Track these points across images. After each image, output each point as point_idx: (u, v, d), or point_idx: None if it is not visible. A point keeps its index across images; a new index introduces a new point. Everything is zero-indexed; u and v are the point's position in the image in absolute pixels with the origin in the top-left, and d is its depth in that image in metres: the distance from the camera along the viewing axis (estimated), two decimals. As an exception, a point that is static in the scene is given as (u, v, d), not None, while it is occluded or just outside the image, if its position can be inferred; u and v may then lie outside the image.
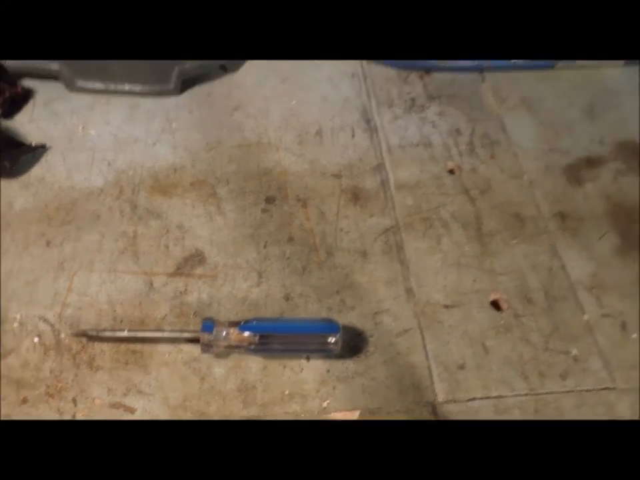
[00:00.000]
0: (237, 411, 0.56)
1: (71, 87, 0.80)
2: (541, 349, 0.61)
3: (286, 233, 0.69)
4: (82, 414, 0.55)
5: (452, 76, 0.86)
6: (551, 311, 0.64)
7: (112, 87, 0.80)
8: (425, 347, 0.61)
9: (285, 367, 0.59)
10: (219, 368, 0.59)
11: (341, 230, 0.69)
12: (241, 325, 0.57)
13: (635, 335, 0.62)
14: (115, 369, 0.58)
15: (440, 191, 0.73)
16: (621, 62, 0.88)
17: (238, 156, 0.75)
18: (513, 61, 0.86)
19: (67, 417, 0.55)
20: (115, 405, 0.56)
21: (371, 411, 0.57)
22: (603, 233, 0.70)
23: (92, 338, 0.59)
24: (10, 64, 0.78)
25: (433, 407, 0.57)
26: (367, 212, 0.71)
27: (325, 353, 0.59)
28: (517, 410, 0.57)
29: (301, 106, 0.81)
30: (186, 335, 0.59)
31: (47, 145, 0.74)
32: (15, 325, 0.60)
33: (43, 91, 0.79)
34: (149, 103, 0.79)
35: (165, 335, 0.59)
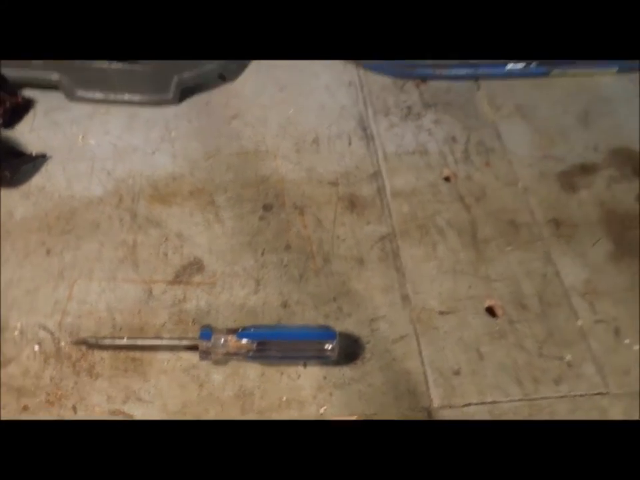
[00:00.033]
0: (235, 417, 0.57)
1: (71, 96, 0.80)
2: (535, 354, 0.62)
3: (283, 240, 0.69)
4: (82, 421, 0.56)
5: (448, 84, 0.87)
6: (545, 317, 0.64)
7: (111, 96, 0.81)
8: (420, 353, 0.62)
9: (282, 373, 0.60)
10: (217, 375, 0.59)
11: (338, 237, 0.70)
12: (238, 333, 0.58)
13: (628, 341, 0.63)
14: (114, 376, 0.58)
15: (436, 198, 0.74)
16: (615, 69, 0.89)
17: (236, 164, 0.76)
18: (507, 68, 0.87)
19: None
20: (114, 412, 0.57)
21: (367, 416, 0.58)
22: (597, 239, 0.71)
23: (92, 346, 0.59)
24: (10, 74, 0.79)
25: (429, 412, 0.58)
26: (363, 219, 0.72)
27: (322, 359, 0.59)
28: (512, 415, 0.58)
29: (298, 114, 0.82)
30: (184, 342, 0.60)
31: (47, 155, 0.75)
32: (16, 333, 0.60)
33: (43, 100, 0.80)
34: (148, 112, 0.80)
35: (164, 342, 0.60)
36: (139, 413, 0.57)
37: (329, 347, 0.58)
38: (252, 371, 0.60)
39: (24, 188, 0.72)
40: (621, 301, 0.66)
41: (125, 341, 0.59)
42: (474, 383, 0.60)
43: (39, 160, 0.74)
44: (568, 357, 0.62)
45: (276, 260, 0.68)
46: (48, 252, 0.66)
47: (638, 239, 0.70)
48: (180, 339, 0.61)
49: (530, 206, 0.74)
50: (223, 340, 0.58)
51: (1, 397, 0.56)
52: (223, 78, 0.85)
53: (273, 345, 0.59)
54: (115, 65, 0.79)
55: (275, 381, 0.59)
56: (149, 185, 0.73)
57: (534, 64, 0.88)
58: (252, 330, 0.59)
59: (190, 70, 0.82)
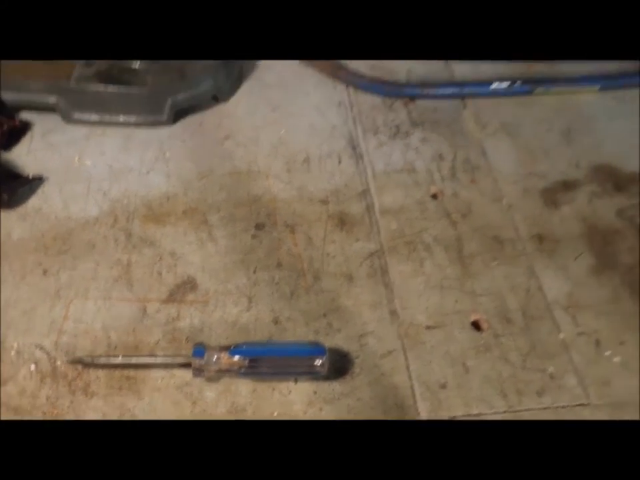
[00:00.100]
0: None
1: (68, 118, 0.83)
2: (519, 367, 0.63)
3: (275, 258, 0.71)
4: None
5: (435, 103, 0.89)
6: (528, 330, 0.66)
7: (107, 118, 0.83)
8: (408, 367, 0.64)
9: (273, 389, 0.61)
10: (210, 392, 0.61)
11: (328, 255, 0.72)
12: (231, 350, 0.60)
13: (608, 353, 0.65)
14: (109, 394, 0.60)
15: (423, 215, 0.76)
16: (596, 87, 0.92)
17: (229, 184, 0.78)
18: (492, 87, 0.90)
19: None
20: (110, 429, 0.58)
21: (357, 430, 0.59)
22: (579, 253, 0.73)
23: (87, 365, 0.61)
24: (8, 97, 0.81)
25: (416, 425, 0.60)
26: (352, 237, 0.74)
27: (312, 375, 0.61)
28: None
29: (289, 134, 0.84)
30: (178, 360, 0.62)
31: (44, 176, 0.77)
32: (13, 353, 0.62)
33: (40, 123, 0.82)
34: (143, 134, 0.83)
35: (158, 360, 0.62)
36: (134, 429, 0.58)
37: (318, 362, 0.59)
38: (244, 387, 0.61)
39: (21, 209, 0.73)
40: (602, 313, 0.68)
41: (119, 360, 0.61)
42: (460, 396, 0.62)
43: (35, 182, 0.76)
44: (550, 369, 0.63)
45: (268, 277, 0.69)
46: (45, 272, 0.68)
47: (618, 253, 0.73)
48: (174, 356, 0.62)
49: (514, 222, 0.76)
50: (215, 357, 0.59)
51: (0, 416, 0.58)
52: (216, 99, 0.88)
53: (264, 361, 0.60)
54: (111, 88, 0.81)
55: (266, 397, 0.61)
56: (144, 205, 0.75)
57: (518, 83, 0.90)
58: (244, 347, 0.61)
59: (184, 91, 0.84)
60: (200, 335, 0.65)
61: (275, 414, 0.60)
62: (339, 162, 0.81)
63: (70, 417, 0.59)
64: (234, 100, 0.88)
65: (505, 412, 0.60)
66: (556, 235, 0.74)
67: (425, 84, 0.91)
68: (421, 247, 0.73)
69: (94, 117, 0.83)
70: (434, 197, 0.78)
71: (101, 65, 0.83)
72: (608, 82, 0.92)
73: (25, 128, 0.81)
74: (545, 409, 0.61)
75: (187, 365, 0.60)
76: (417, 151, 0.83)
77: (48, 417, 0.58)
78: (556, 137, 0.85)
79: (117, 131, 0.82)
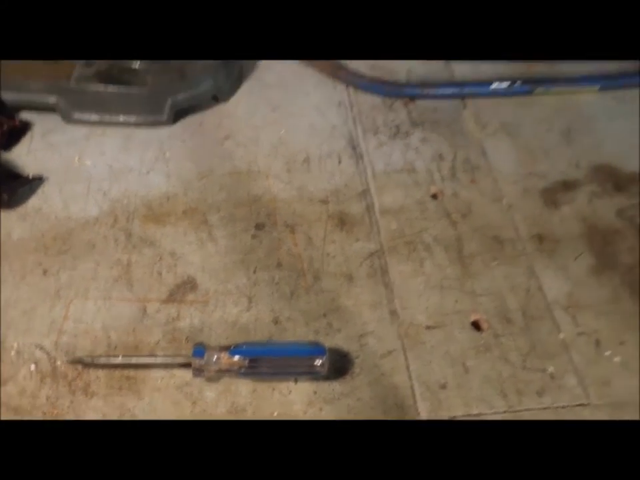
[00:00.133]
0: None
1: (68, 118, 0.83)
2: (519, 367, 0.64)
3: (275, 258, 0.71)
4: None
5: (435, 103, 0.89)
6: (528, 330, 0.66)
7: (107, 118, 0.83)
8: (408, 367, 0.64)
9: (274, 389, 0.61)
10: (210, 392, 0.61)
11: (328, 255, 0.72)
12: (231, 350, 0.60)
13: (608, 352, 0.65)
14: (109, 394, 0.60)
15: (423, 215, 0.76)
16: (596, 87, 0.91)
17: (229, 184, 0.78)
18: (492, 87, 0.90)
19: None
20: (110, 429, 0.58)
21: (357, 430, 0.59)
22: (579, 253, 0.73)
23: (87, 365, 0.61)
24: (8, 97, 0.81)
25: (416, 425, 0.60)
26: (352, 237, 0.74)
27: (312, 375, 0.61)
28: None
29: (289, 134, 0.84)
30: (178, 360, 0.62)
31: (44, 176, 0.77)
32: (13, 353, 0.62)
33: (40, 123, 0.82)
34: (143, 134, 0.83)
35: (158, 360, 0.62)
36: (134, 429, 0.58)
37: (318, 362, 0.59)
38: (244, 387, 0.61)
39: (21, 209, 0.73)
40: (602, 313, 0.68)
41: (119, 360, 0.61)
42: (460, 396, 0.62)
43: (35, 182, 0.76)
44: (550, 369, 0.63)
45: (268, 278, 0.69)
46: (45, 272, 0.68)
47: (618, 253, 0.73)
48: (174, 356, 0.62)
49: (514, 222, 0.76)
50: (215, 357, 0.59)
51: (0, 416, 0.58)
52: (216, 99, 0.88)
53: (264, 361, 0.60)
54: (111, 88, 0.81)
55: (266, 397, 0.61)
56: (144, 205, 0.75)
57: (518, 83, 0.90)
58: (244, 347, 0.61)
59: (184, 92, 0.84)
60: (200, 334, 0.65)
61: (275, 414, 0.60)
62: (339, 162, 0.81)
63: (70, 417, 0.59)
64: (234, 100, 0.88)
65: (505, 412, 0.60)
66: (556, 234, 0.74)
67: (425, 84, 0.91)
68: (421, 246, 0.73)
69: (94, 116, 0.83)
70: (434, 196, 0.78)
71: (100, 65, 0.83)
72: (608, 82, 0.92)
73: (25, 128, 0.81)
74: (545, 408, 0.61)
75: (187, 365, 0.60)
76: (416, 151, 0.83)
77: (48, 417, 0.58)
78: (556, 136, 0.85)
79: (116, 131, 0.82)
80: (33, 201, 0.74)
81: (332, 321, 0.66)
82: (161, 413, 0.59)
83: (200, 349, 0.60)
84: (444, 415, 0.60)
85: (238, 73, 0.91)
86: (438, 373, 0.63)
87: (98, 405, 0.59)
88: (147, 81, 0.82)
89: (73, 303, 0.66)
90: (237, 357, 0.59)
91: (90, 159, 0.79)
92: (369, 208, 0.76)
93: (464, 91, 0.90)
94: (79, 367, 0.61)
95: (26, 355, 0.62)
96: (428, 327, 0.66)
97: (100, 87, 0.81)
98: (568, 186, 0.80)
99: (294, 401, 0.61)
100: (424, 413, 0.61)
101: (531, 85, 0.90)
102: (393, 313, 0.67)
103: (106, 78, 0.82)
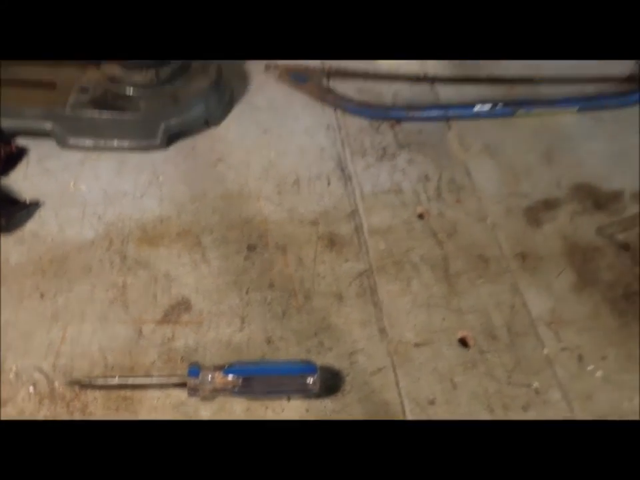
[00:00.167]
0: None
1: (63, 144, 0.85)
2: (504, 382, 0.66)
3: (267, 279, 0.73)
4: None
5: (420, 125, 0.92)
6: (513, 346, 0.68)
7: (101, 143, 0.85)
8: (397, 384, 0.65)
9: (267, 407, 0.63)
10: (205, 411, 0.62)
11: (318, 275, 0.74)
12: (225, 369, 0.61)
13: (591, 367, 0.67)
14: (106, 415, 0.61)
15: (410, 235, 0.79)
16: (575, 108, 0.95)
17: (221, 206, 0.80)
18: (475, 110, 0.93)
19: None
20: (107, 449, 0.59)
21: (348, 446, 0.61)
22: (561, 270, 0.75)
23: (85, 386, 0.62)
24: (4, 124, 0.83)
25: (406, 441, 0.62)
26: (342, 257, 0.76)
27: (305, 393, 0.63)
28: (484, 441, 0.62)
29: (279, 157, 0.87)
30: (173, 379, 0.63)
31: (41, 201, 0.78)
32: (11, 375, 0.63)
33: (36, 148, 0.84)
34: (136, 158, 0.85)
35: (154, 380, 0.63)
36: (131, 449, 0.59)
37: (310, 380, 0.61)
38: (238, 406, 0.63)
39: (18, 234, 0.75)
40: (583, 329, 0.70)
41: (116, 380, 0.62)
42: (448, 411, 0.64)
43: (32, 206, 0.77)
44: (535, 384, 0.66)
45: (260, 298, 0.71)
46: (42, 295, 0.70)
47: (598, 270, 0.75)
48: (169, 376, 0.64)
49: (498, 240, 0.78)
50: (210, 376, 0.61)
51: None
52: (208, 123, 0.90)
53: (257, 380, 0.62)
54: (105, 114, 0.83)
55: (260, 415, 0.62)
56: (138, 228, 0.77)
57: (500, 105, 0.94)
58: (237, 366, 0.62)
59: (176, 116, 0.86)
60: (195, 354, 0.66)
61: (269, 432, 0.61)
62: (328, 184, 0.84)
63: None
64: (225, 124, 0.91)
65: (491, 426, 0.62)
66: (539, 252, 0.77)
67: (410, 107, 0.95)
68: (409, 266, 0.75)
69: (89, 142, 0.85)
70: (420, 216, 0.81)
71: (95, 91, 0.85)
72: (586, 103, 0.96)
73: (21, 153, 0.83)
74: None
75: (182, 385, 0.62)
76: (403, 172, 0.86)
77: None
78: (537, 157, 0.88)
79: (111, 156, 0.85)
80: (30, 225, 0.76)
81: (323, 340, 0.68)
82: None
83: (195, 369, 0.61)
84: (432, 430, 0.62)
85: (229, 97, 0.94)
86: (427, 389, 0.65)
87: (95, 425, 0.61)
88: (140, 107, 0.85)
89: (70, 325, 0.67)
90: (230, 376, 0.61)
91: (85, 183, 0.81)
92: (358, 228, 0.79)
93: (448, 113, 0.94)
94: (77, 388, 0.62)
95: (24, 376, 0.63)
96: (416, 344, 0.68)
97: (94, 113, 0.83)
98: (549, 205, 0.82)
99: (287, 418, 0.62)
100: (413, 428, 0.62)
101: (512, 107, 0.94)
102: (382, 331, 0.69)
103: (100, 104, 0.84)
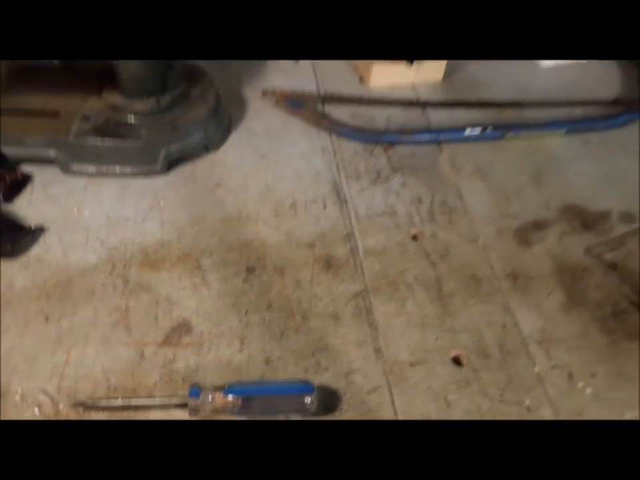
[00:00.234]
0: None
1: (67, 170, 0.87)
2: (497, 400, 0.67)
3: (265, 300, 0.75)
4: None
5: (413, 149, 0.95)
6: (505, 365, 0.70)
7: (104, 169, 0.88)
8: (393, 402, 0.67)
9: (266, 427, 0.65)
10: (206, 431, 0.64)
11: (315, 296, 0.76)
12: (225, 389, 0.63)
13: (580, 385, 0.69)
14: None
15: (404, 256, 0.81)
16: (563, 131, 0.98)
17: (220, 230, 0.83)
18: (466, 133, 0.96)
19: None
20: (110, 470, 0.61)
21: (346, 465, 0.62)
22: (550, 290, 0.77)
23: (88, 407, 0.64)
24: (9, 151, 0.86)
25: (402, 458, 0.63)
26: (338, 278, 0.78)
27: (302, 412, 0.64)
28: (478, 458, 0.63)
29: (276, 181, 0.89)
30: (175, 400, 0.65)
31: (45, 227, 0.81)
32: (17, 397, 0.65)
33: (41, 175, 0.87)
34: (138, 183, 0.87)
35: (156, 401, 0.65)
36: (134, 469, 0.61)
37: (308, 400, 0.63)
38: (238, 425, 0.65)
39: (23, 259, 0.77)
40: (573, 347, 0.72)
41: (119, 402, 0.64)
42: (442, 429, 0.65)
43: (37, 232, 0.80)
44: (527, 402, 0.67)
45: (259, 319, 0.73)
46: (46, 319, 0.72)
47: (587, 289, 0.78)
48: (170, 397, 0.66)
49: (490, 261, 0.81)
50: (210, 397, 0.63)
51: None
52: (207, 149, 0.93)
53: (256, 400, 0.64)
54: (107, 142, 0.86)
55: (259, 434, 0.64)
56: (140, 252, 0.79)
57: (489, 128, 0.97)
58: (237, 386, 0.64)
59: (176, 143, 0.89)
60: (195, 375, 0.68)
61: (268, 451, 0.63)
62: (324, 207, 0.86)
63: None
64: (223, 149, 0.94)
65: (484, 443, 0.64)
66: (529, 272, 0.79)
67: (403, 131, 0.98)
68: (403, 287, 0.77)
69: (91, 168, 0.88)
70: (414, 238, 0.83)
71: (97, 119, 0.88)
72: (573, 126, 0.99)
73: (26, 180, 0.86)
74: (521, 439, 0.64)
75: (183, 405, 0.63)
76: (397, 195, 0.89)
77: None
78: (526, 179, 0.91)
79: (113, 182, 0.87)
80: (35, 251, 0.78)
81: (320, 360, 0.70)
82: (159, 453, 0.62)
83: (196, 390, 0.63)
84: (427, 448, 0.64)
85: (227, 124, 0.97)
86: (421, 408, 0.67)
87: (99, 446, 0.62)
88: (141, 134, 0.87)
89: (74, 348, 0.69)
90: (230, 397, 0.63)
91: (88, 209, 0.84)
92: (353, 250, 0.81)
93: (440, 136, 0.97)
94: (81, 410, 0.64)
95: (30, 399, 0.65)
96: (411, 364, 0.70)
97: (97, 141, 0.86)
98: (539, 226, 0.85)
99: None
100: (409, 446, 0.64)
101: (501, 130, 0.97)
102: (378, 351, 0.71)
103: (102, 132, 0.87)
